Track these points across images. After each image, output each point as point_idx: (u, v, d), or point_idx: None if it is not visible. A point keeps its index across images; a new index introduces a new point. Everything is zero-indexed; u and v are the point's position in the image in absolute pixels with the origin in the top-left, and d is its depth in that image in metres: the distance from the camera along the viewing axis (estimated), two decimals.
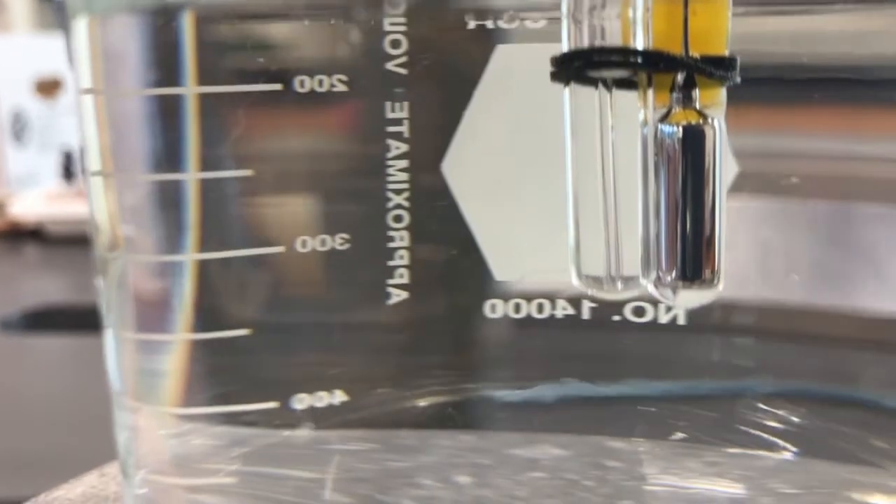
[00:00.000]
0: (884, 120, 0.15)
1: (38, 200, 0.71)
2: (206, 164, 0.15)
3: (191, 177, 0.15)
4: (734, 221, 0.14)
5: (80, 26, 0.15)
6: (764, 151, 0.15)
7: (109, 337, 0.16)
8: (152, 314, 0.16)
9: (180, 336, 0.15)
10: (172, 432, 0.16)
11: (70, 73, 0.16)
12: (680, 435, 0.16)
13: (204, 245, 0.15)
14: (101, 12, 0.15)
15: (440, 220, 0.16)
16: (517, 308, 0.16)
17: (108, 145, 0.15)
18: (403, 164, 0.16)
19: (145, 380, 0.16)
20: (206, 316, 0.15)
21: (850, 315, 0.16)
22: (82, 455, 0.21)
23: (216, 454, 0.16)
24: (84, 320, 0.17)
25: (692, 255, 0.13)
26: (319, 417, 0.16)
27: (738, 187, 0.15)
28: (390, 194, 0.16)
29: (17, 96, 0.77)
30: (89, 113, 0.15)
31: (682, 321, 0.15)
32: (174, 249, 0.15)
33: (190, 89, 0.15)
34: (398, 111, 0.16)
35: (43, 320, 0.46)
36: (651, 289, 0.13)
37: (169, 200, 0.15)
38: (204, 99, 0.15)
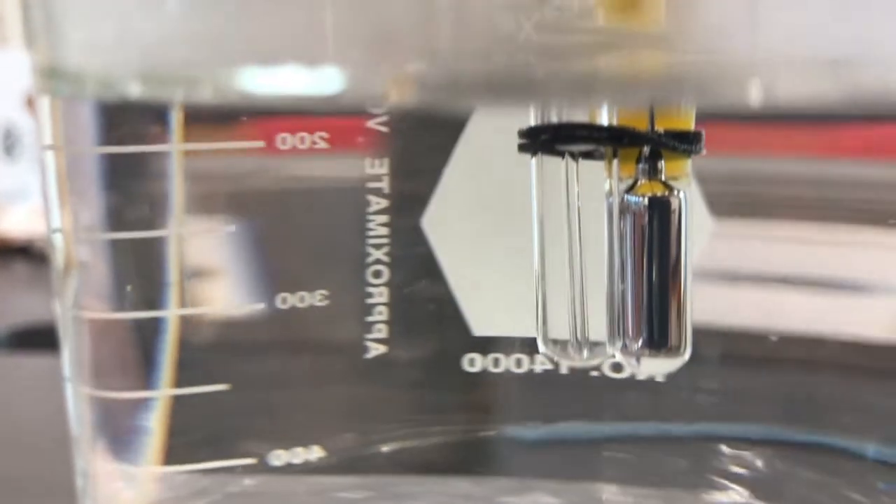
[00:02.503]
0: (860, 141, 0.15)
1: (27, 217, 0.71)
2: (179, 219, 0.15)
3: (164, 233, 0.15)
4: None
5: (44, 103, 0.15)
6: (735, 174, 0.15)
7: (68, 388, 0.16)
8: (112, 372, 0.16)
9: (146, 393, 0.16)
10: (132, 482, 0.16)
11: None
12: (659, 480, 0.16)
13: (175, 303, 0.15)
14: (64, 98, 0.15)
15: (419, 276, 0.16)
16: (496, 363, 0.16)
17: (70, 203, 0.15)
18: (383, 219, 0.16)
19: (104, 436, 0.16)
20: (175, 372, 0.16)
21: (821, 358, 0.16)
22: (63, 481, 0.21)
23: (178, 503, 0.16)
24: None
25: (658, 325, 0.13)
26: (295, 474, 0.16)
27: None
28: (370, 250, 0.16)
29: (9, 111, 0.77)
30: (51, 170, 0.16)
31: (660, 378, 0.15)
32: (138, 307, 0.15)
33: (171, 147, 0.15)
34: (378, 167, 0.16)
35: (29, 339, 0.46)
36: (618, 356, 0.14)
37: (134, 258, 0.16)
38: (179, 155, 0.15)
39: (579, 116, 0.13)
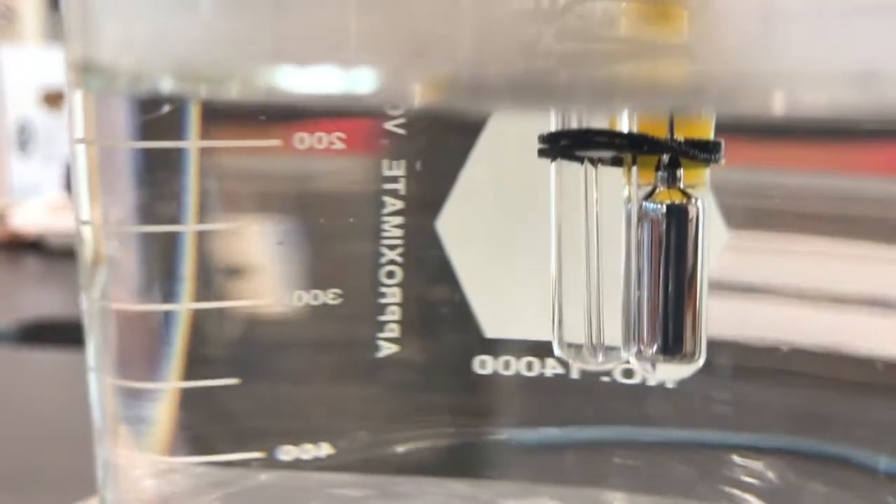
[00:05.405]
0: (874, 157, 0.15)
1: (39, 212, 0.71)
2: (201, 216, 0.15)
3: (186, 229, 0.15)
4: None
5: (77, 97, 0.15)
6: (752, 187, 0.15)
7: (92, 377, 0.16)
8: (136, 362, 0.16)
9: (165, 384, 0.16)
10: (151, 472, 0.16)
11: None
12: (667, 488, 0.16)
13: (196, 296, 0.16)
14: (96, 92, 0.15)
15: (432, 277, 0.16)
16: (507, 365, 0.16)
17: (100, 196, 0.16)
18: (398, 220, 0.16)
19: (125, 424, 0.16)
20: (193, 364, 0.16)
21: (835, 372, 0.16)
22: (72, 477, 0.21)
23: (196, 495, 0.16)
24: (81, 335, 0.17)
25: (674, 331, 0.13)
26: (304, 469, 0.16)
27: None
28: (384, 250, 0.16)
29: (24, 107, 0.78)
30: (82, 163, 0.16)
31: (670, 385, 0.16)
32: (162, 299, 0.16)
33: (190, 143, 0.15)
34: (395, 169, 0.16)
35: (39, 333, 0.46)
36: (632, 361, 0.14)
37: (160, 251, 0.16)
38: (201, 153, 0.15)
39: (599, 123, 0.13)
